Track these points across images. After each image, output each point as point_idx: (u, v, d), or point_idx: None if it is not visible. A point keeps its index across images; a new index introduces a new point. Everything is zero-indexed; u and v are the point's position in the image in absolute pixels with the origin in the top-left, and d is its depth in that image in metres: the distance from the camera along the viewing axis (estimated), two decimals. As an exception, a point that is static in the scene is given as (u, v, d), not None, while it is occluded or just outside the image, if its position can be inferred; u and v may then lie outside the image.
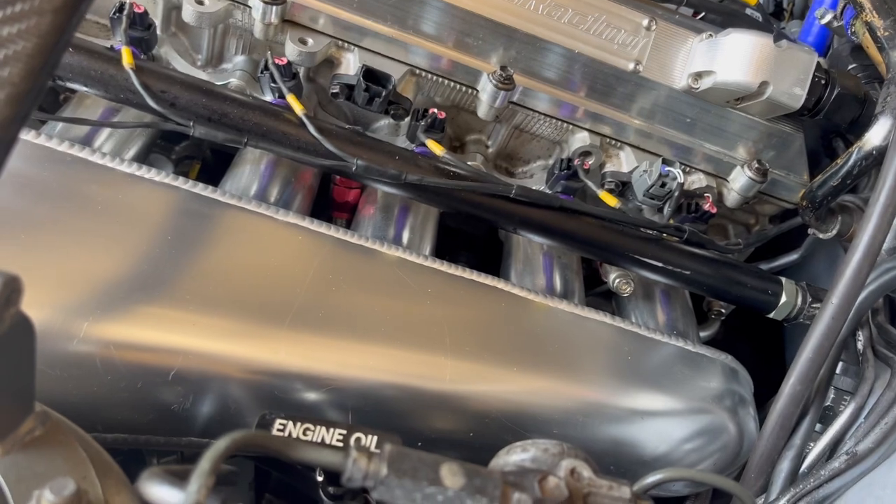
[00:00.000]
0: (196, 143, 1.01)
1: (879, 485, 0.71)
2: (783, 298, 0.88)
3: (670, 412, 0.81)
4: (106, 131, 0.81)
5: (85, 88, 0.77)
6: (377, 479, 0.36)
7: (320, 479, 0.52)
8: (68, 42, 0.39)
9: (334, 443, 0.48)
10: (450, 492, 0.36)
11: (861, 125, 0.89)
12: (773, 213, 1.02)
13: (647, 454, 0.79)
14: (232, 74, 0.93)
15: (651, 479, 0.51)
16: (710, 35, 0.87)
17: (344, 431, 0.49)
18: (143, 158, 0.87)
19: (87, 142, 0.79)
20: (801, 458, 0.78)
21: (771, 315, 0.90)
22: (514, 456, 0.48)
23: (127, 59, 0.75)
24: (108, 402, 0.64)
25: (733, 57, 0.84)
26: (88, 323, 0.63)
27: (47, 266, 0.66)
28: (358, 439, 0.49)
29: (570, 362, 0.79)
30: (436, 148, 0.83)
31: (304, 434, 0.49)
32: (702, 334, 1.04)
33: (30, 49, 0.37)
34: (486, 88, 0.89)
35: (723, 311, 1.04)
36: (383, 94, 0.85)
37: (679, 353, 0.85)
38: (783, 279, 0.90)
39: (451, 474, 0.37)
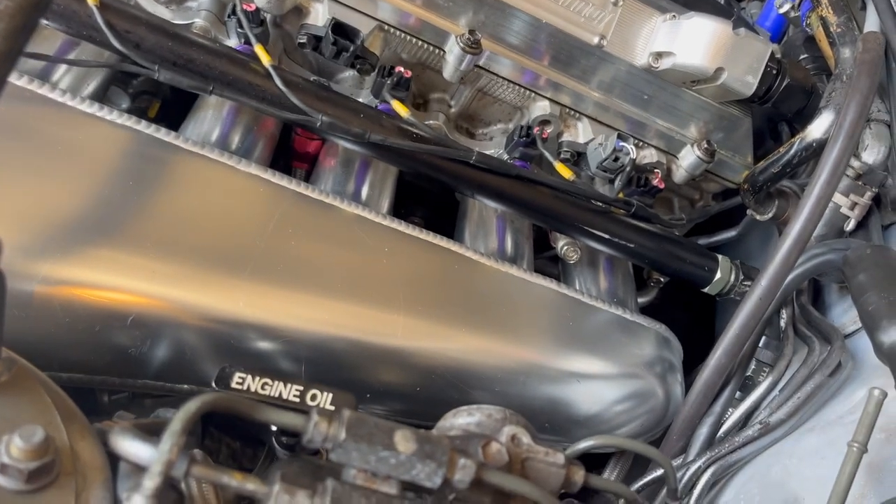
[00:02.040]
0: (156, 79, 0.99)
1: (787, 454, 0.78)
2: (717, 275, 0.93)
3: (604, 376, 0.86)
4: (64, 66, 0.80)
5: (45, 21, 0.75)
6: (336, 442, 0.39)
7: (274, 428, 0.55)
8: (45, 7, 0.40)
9: (291, 398, 0.51)
10: (402, 456, 0.40)
11: (806, 116, 0.93)
12: (717, 191, 1.07)
13: (581, 414, 0.85)
14: (197, 14, 0.91)
15: (582, 444, 0.56)
16: (674, 16, 0.90)
17: (300, 388, 0.52)
18: (101, 94, 0.86)
19: (43, 76, 0.78)
20: (719, 424, 0.85)
21: (705, 290, 0.95)
22: (461, 419, 0.51)
23: (91, -5, 0.73)
24: (65, 344, 0.65)
25: (693, 41, 0.87)
26: (49, 264, 0.64)
27: (5, 204, 0.66)
28: (314, 396, 0.52)
29: (515, 325, 0.83)
30: (400, 109, 0.84)
31: (263, 389, 0.51)
32: (640, 300, 1.09)
33: (13, 7, 0.37)
34: (452, 50, 0.89)
35: (661, 280, 1.09)
36: (351, 48, 0.85)
37: (616, 321, 0.90)
38: (720, 257, 0.95)
39: (404, 440, 0.40)
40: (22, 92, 0.71)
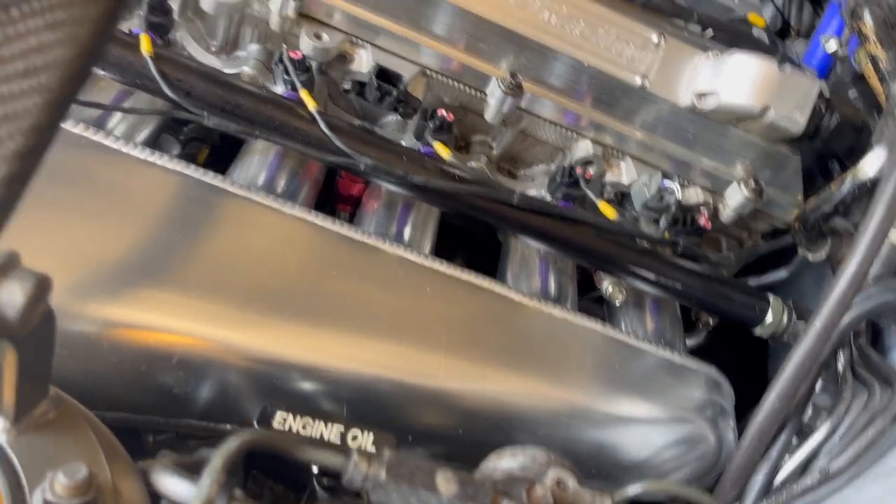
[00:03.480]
0: (203, 126, 1.02)
1: (848, 504, 0.74)
2: (769, 316, 0.90)
3: (653, 420, 0.83)
4: (119, 114, 0.83)
5: (102, 72, 0.78)
6: (376, 482, 0.39)
7: (316, 470, 0.55)
8: (104, 48, 0.41)
9: (332, 439, 0.51)
10: (443, 498, 0.39)
11: (857, 152, 0.91)
12: (766, 231, 1.05)
13: (629, 459, 0.82)
14: (245, 62, 0.94)
15: (630, 490, 0.54)
16: (717, 54, 0.89)
17: (341, 428, 0.51)
18: (154, 140, 0.89)
19: (99, 124, 0.81)
20: (775, 471, 0.81)
21: (756, 331, 0.92)
22: (504, 461, 0.50)
23: (146, 46, 0.76)
24: (111, 383, 0.66)
25: (737, 79, 0.86)
26: (98, 305, 0.65)
27: (58, 246, 0.68)
28: (354, 436, 0.51)
29: (559, 366, 0.82)
30: (443, 151, 0.85)
31: (304, 428, 0.51)
32: (688, 342, 1.06)
33: (67, 56, 0.39)
34: (494, 93, 0.90)
35: (710, 321, 1.06)
36: (394, 93, 0.87)
37: (664, 363, 0.87)
38: (771, 297, 0.92)
39: (446, 481, 0.39)
40: (79, 139, 0.74)
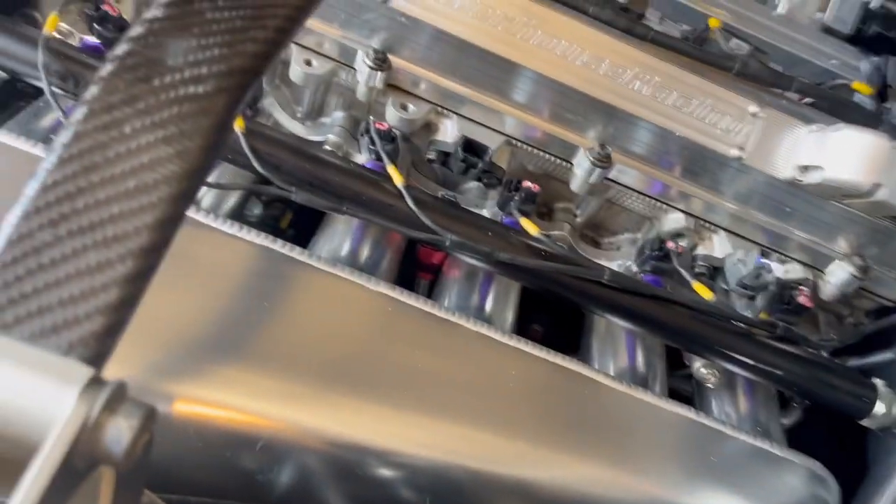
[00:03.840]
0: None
1: None
2: (878, 407, 0.84)
3: (751, 518, 0.78)
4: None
5: (194, 146, 0.79)
6: None
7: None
8: (212, 165, 0.41)
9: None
10: None
11: (975, 231, 0.84)
12: (871, 309, 0.98)
13: (723, 561, 0.77)
14: (330, 129, 0.94)
15: None
16: (821, 127, 0.85)
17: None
18: (240, 209, 0.90)
19: (190, 195, 0.81)
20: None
21: (863, 423, 0.86)
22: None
23: (238, 122, 0.77)
24: (197, 467, 0.65)
25: (844, 155, 0.81)
26: (186, 386, 0.65)
27: (147, 324, 0.68)
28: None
29: (648, 456, 0.77)
30: (529, 227, 0.82)
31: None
32: (784, 421, 1.00)
33: (178, 172, 0.38)
34: (581, 164, 0.88)
35: (807, 402, 1.00)
36: (479, 165, 0.85)
37: (762, 455, 0.81)
38: (878, 384, 0.86)
39: None
40: (170, 213, 0.75)
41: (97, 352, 0.35)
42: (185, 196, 0.38)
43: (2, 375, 0.32)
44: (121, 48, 0.40)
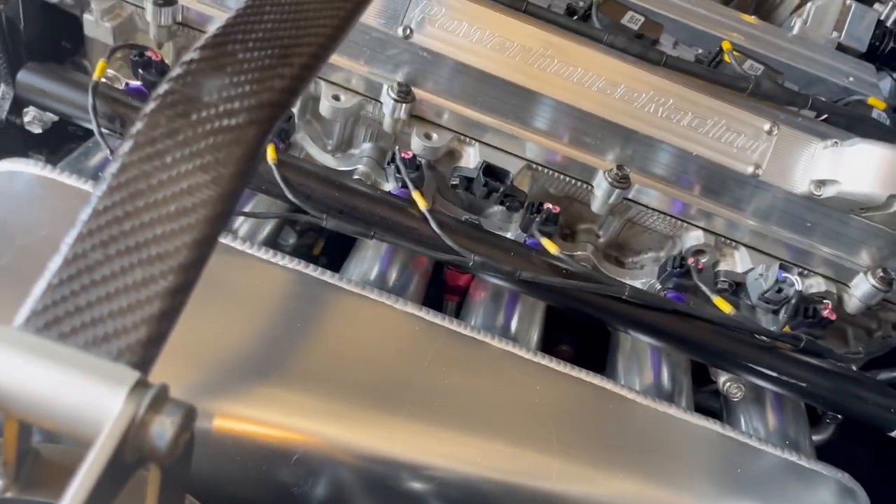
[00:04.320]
0: (320, 219, 1.08)
1: None
2: (907, 418, 0.84)
3: (779, 530, 0.78)
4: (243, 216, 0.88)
5: (231, 178, 0.84)
6: None
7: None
8: (243, 190, 0.45)
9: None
10: None
11: None
12: (898, 321, 0.99)
13: (755, 574, 0.77)
14: (359, 160, 0.99)
15: None
16: (836, 143, 0.86)
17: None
18: (274, 237, 0.94)
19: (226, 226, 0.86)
20: None
21: (893, 434, 0.86)
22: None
23: (271, 154, 0.82)
24: (236, 481, 0.68)
25: (860, 168, 0.82)
26: (225, 403, 0.68)
27: (188, 345, 0.72)
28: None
29: (675, 470, 0.78)
30: (550, 247, 0.85)
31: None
32: (815, 438, 1.00)
33: (214, 196, 0.42)
34: (601, 185, 0.91)
35: (838, 416, 1.00)
36: (501, 189, 0.89)
37: (790, 467, 0.82)
38: (907, 396, 0.86)
39: None
40: (209, 242, 0.79)
41: (143, 358, 0.39)
42: (221, 217, 0.42)
43: (61, 379, 0.36)
44: (162, 87, 0.45)
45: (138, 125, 0.43)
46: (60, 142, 1.04)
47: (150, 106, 0.44)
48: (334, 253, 1.09)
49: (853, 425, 1.05)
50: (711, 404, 0.97)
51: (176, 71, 0.45)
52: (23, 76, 0.87)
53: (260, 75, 0.47)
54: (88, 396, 0.36)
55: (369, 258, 0.90)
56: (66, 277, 0.39)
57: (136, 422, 0.36)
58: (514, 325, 0.90)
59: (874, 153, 0.82)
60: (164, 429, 0.36)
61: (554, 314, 1.00)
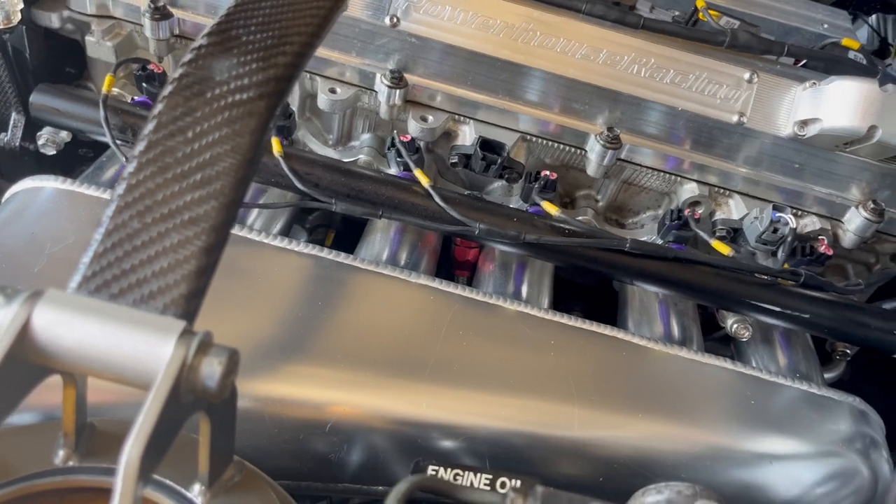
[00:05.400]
0: (328, 213, 1.11)
1: None
2: (911, 339, 0.87)
3: (799, 456, 0.81)
4: (256, 210, 0.92)
5: (241, 175, 0.88)
6: (532, 517, 0.41)
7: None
8: (261, 157, 0.49)
9: (482, 486, 0.54)
10: (598, 528, 0.41)
11: (979, 160, 0.88)
12: (895, 252, 1.01)
13: (779, 499, 0.80)
14: (360, 151, 1.03)
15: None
16: (814, 83, 0.90)
17: (490, 476, 0.54)
18: (287, 230, 0.98)
19: (241, 220, 0.90)
20: (942, 501, 0.77)
21: (898, 356, 0.89)
22: (649, 498, 0.51)
23: (276, 147, 0.86)
24: (275, 453, 0.72)
25: (839, 104, 0.86)
26: (258, 382, 0.72)
27: (220, 332, 0.76)
28: (503, 483, 0.54)
29: (693, 407, 0.82)
30: (550, 208, 0.89)
31: (455, 479, 0.54)
32: (827, 376, 1.03)
33: (235, 164, 0.46)
34: (594, 149, 0.94)
35: (847, 351, 1.03)
36: (498, 161, 0.92)
37: (804, 396, 0.85)
38: (909, 318, 0.89)
39: (598, 512, 0.41)
40: (226, 236, 0.83)
41: (186, 310, 0.42)
42: (243, 182, 0.46)
43: (118, 333, 0.40)
44: (177, 72, 0.49)
45: (159, 107, 0.47)
46: (72, 165, 1.08)
47: (168, 89, 0.48)
48: (344, 245, 1.12)
49: (864, 364, 1.09)
50: (722, 352, 1.00)
51: (188, 56, 0.49)
52: (35, 98, 0.91)
53: (264, 53, 0.51)
54: (143, 345, 0.40)
55: (379, 241, 0.93)
56: (111, 245, 0.43)
57: (187, 364, 0.40)
58: (524, 290, 0.93)
59: (851, 88, 0.85)
60: (213, 369, 0.40)
61: (562, 284, 1.03)
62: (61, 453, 0.50)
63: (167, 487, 0.50)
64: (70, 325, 0.40)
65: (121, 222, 0.44)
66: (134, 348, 0.40)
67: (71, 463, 0.50)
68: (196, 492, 0.50)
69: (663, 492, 0.51)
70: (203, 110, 0.47)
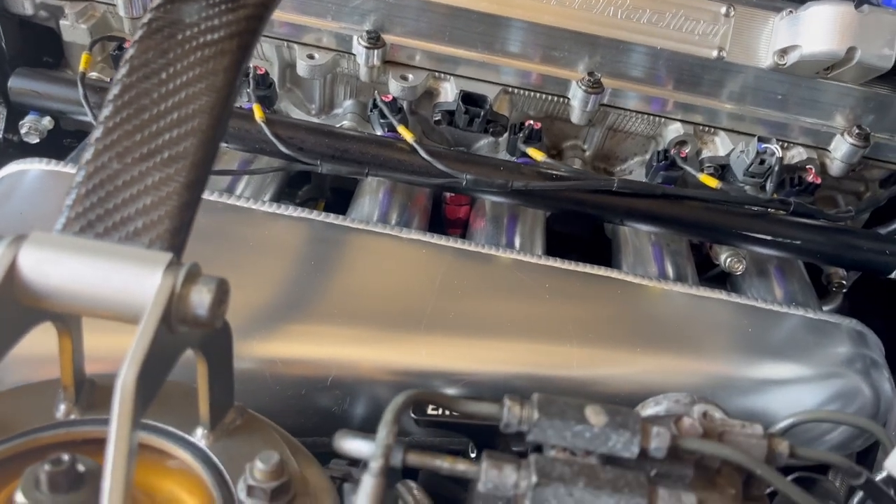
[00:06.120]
0: (317, 185, 1.11)
1: None
2: (903, 257, 0.87)
3: (800, 379, 0.82)
4: (244, 179, 0.92)
5: (225, 145, 0.88)
6: (530, 422, 0.42)
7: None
8: (236, 94, 0.49)
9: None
10: (595, 429, 0.42)
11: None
12: (883, 178, 1.02)
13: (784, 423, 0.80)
14: (343, 117, 1.03)
15: (784, 423, 0.54)
16: (791, 11, 0.90)
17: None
18: (277, 198, 0.98)
19: (230, 190, 0.90)
20: (943, 411, 0.77)
21: (893, 275, 0.89)
22: (649, 409, 0.52)
23: (258, 113, 0.86)
24: (279, 410, 0.72)
25: (816, 28, 0.86)
26: (257, 344, 0.72)
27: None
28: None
29: (692, 340, 0.82)
30: (536, 154, 0.89)
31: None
32: (825, 308, 1.03)
33: (210, 103, 0.46)
34: (576, 95, 0.94)
35: (843, 281, 1.03)
36: (481, 114, 0.92)
37: (801, 322, 0.85)
38: (900, 238, 0.90)
39: (595, 414, 0.42)
40: (215, 205, 0.83)
41: (171, 244, 0.43)
42: (220, 119, 0.46)
43: (106, 268, 0.40)
44: (146, 17, 0.48)
45: (130, 51, 0.47)
46: (57, 155, 1.08)
47: (139, 34, 0.48)
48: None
49: (864, 296, 1.09)
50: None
51: (156, 1, 0.49)
52: (14, 82, 0.91)
53: (233, -5, 0.50)
54: (132, 278, 0.40)
55: (368, 203, 0.94)
56: (92, 187, 0.43)
57: (175, 293, 0.40)
58: (516, 242, 0.93)
59: (827, 11, 0.85)
60: (202, 296, 0.40)
61: (556, 236, 1.03)
62: (62, 407, 0.50)
63: (170, 433, 0.50)
64: (57, 263, 0.40)
65: (100, 164, 0.44)
66: (123, 282, 0.40)
67: (73, 416, 0.50)
68: (199, 435, 0.50)
69: (662, 402, 0.52)
70: (175, 51, 0.47)
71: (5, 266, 0.39)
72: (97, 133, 0.45)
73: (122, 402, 0.37)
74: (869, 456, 0.87)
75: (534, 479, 0.40)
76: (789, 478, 0.58)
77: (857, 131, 0.93)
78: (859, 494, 0.62)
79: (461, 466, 0.40)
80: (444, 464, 0.40)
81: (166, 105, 0.45)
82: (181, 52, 0.47)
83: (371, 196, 0.94)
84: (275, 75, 1.00)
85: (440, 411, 0.56)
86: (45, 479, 0.39)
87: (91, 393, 0.52)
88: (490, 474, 0.40)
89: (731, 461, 0.43)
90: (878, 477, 0.58)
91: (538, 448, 0.44)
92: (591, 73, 0.92)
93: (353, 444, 0.41)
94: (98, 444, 0.51)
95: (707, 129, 0.98)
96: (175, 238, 0.43)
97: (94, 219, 0.42)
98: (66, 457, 0.41)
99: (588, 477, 0.40)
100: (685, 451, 0.43)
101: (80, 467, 0.41)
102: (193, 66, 0.47)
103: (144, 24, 0.48)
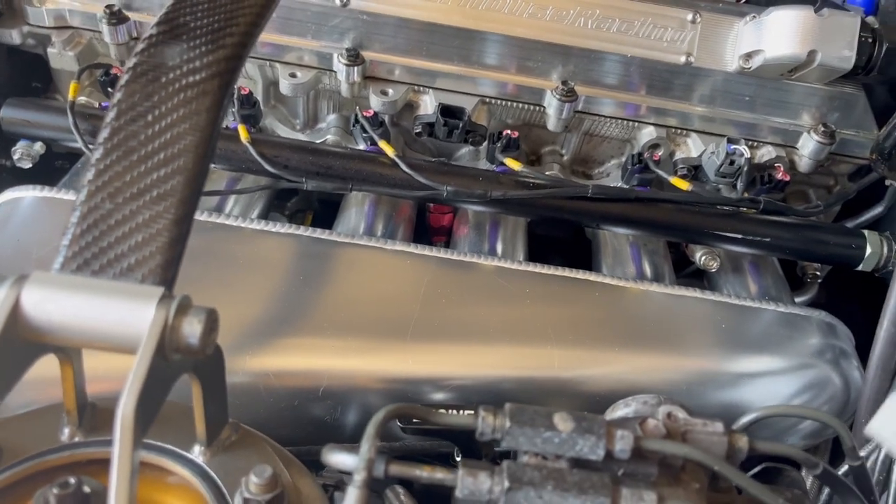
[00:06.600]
0: (305, 197, 1.14)
1: None
2: (868, 250, 0.91)
3: (772, 371, 0.85)
4: (233, 198, 0.95)
5: (213, 165, 0.91)
6: (503, 431, 0.45)
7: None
8: (219, 132, 0.52)
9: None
10: (563, 434, 0.45)
11: (918, 73, 0.91)
12: (851, 172, 1.05)
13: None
14: (327, 132, 1.06)
15: (746, 418, 0.57)
16: (754, 16, 0.93)
17: (471, 411, 0.58)
18: (265, 215, 1.01)
19: (219, 209, 0.93)
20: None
21: (860, 267, 0.93)
22: (619, 411, 0.55)
23: (243, 134, 0.89)
24: (272, 421, 0.76)
25: (778, 33, 0.89)
26: (249, 358, 0.76)
27: (207, 316, 0.79)
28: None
29: (667, 338, 0.85)
30: (514, 164, 0.92)
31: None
32: (800, 299, 1.07)
33: (195, 141, 0.49)
34: (551, 104, 0.97)
35: (818, 273, 1.07)
36: (460, 125, 0.95)
37: (773, 316, 0.89)
38: (866, 232, 0.93)
39: (563, 420, 0.45)
40: (205, 224, 0.86)
41: (163, 278, 0.46)
42: (205, 156, 0.49)
43: (103, 303, 0.43)
44: (131, 61, 0.51)
45: (118, 95, 0.50)
46: (50, 178, 1.11)
47: (124, 78, 0.51)
48: (323, 227, 1.15)
49: (836, 286, 1.12)
50: (696, 286, 1.04)
51: (140, 46, 0.52)
52: (6, 112, 0.94)
53: (212, 36, 0.54)
54: (127, 312, 0.43)
55: (354, 216, 0.97)
56: (87, 227, 0.46)
57: (168, 324, 0.43)
58: (499, 248, 0.97)
59: (789, 16, 0.89)
60: (193, 327, 0.43)
61: (539, 239, 1.07)
62: (66, 431, 0.53)
63: (169, 451, 0.54)
64: (57, 301, 0.43)
65: (94, 205, 0.47)
66: (119, 316, 0.43)
67: (77, 439, 0.53)
68: (196, 452, 0.53)
69: (630, 404, 0.55)
70: (160, 94, 0.50)
71: (9, 306, 0.42)
72: (89, 174, 0.48)
73: (123, 430, 0.40)
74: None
75: (506, 484, 0.43)
76: (756, 468, 0.62)
77: (822, 129, 0.96)
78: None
79: (439, 475, 0.43)
80: (424, 473, 0.43)
81: (153, 146, 0.48)
82: (165, 94, 0.50)
83: (357, 208, 0.97)
84: (259, 94, 1.03)
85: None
86: (54, 501, 0.43)
87: (93, 416, 0.55)
88: (466, 482, 0.43)
89: (691, 459, 0.46)
90: (841, 470, 0.62)
91: (515, 454, 0.47)
92: (564, 82, 0.96)
93: (338, 458, 0.44)
94: (102, 464, 0.54)
95: (679, 131, 1.01)
96: (166, 272, 0.46)
97: (90, 257, 0.45)
98: (72, 479, 0.44)
99: (556, 480, 0.43)
100: (648, 451, 0.46)
101: (86, 488, 0.44)
102: (177, 107, 0.50)
103: (130, 69, 0.51)
